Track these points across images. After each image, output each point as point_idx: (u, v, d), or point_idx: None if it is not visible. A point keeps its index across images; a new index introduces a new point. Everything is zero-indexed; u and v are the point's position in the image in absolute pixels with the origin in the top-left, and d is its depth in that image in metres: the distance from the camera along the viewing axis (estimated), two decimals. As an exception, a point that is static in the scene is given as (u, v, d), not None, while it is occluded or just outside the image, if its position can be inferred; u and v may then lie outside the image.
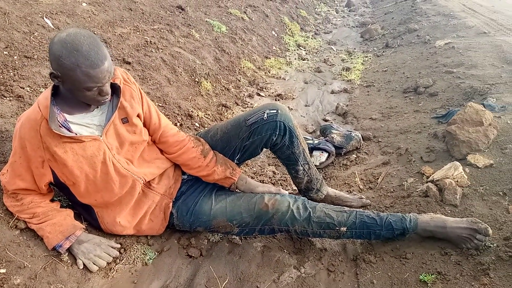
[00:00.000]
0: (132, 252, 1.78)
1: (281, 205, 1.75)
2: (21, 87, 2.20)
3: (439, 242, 1.78)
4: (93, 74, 1.34)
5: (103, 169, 1.57)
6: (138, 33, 3.56)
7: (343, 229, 1.76)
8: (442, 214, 1.91)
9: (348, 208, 1.87)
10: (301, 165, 2.00)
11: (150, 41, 3.50)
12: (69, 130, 1.49)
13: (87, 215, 1.77)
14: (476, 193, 2.04)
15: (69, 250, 1.62)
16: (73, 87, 1.39)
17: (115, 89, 1.59)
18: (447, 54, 4.46)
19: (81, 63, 1.31)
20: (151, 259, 1.80)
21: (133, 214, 1.77)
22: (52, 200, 1.70)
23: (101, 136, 1.56)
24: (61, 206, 1.72)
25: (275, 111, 1.83)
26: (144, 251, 1.82)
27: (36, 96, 2.21)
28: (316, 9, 9.04)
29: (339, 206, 1.88)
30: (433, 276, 1.63)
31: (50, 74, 1.37)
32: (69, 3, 3.37)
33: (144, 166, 1.74)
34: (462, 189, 2.06)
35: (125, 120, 1.64)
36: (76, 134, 1.51)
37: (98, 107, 1.58)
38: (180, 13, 4.53)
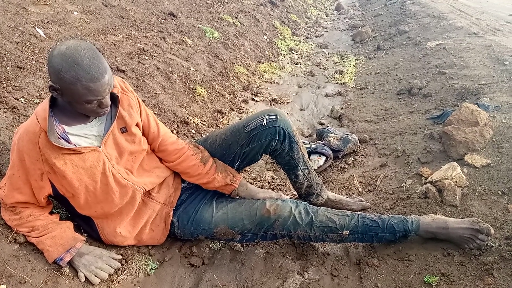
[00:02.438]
0: (133, 263, 1.76)
1: (283, 210, 1.74)
2: (15, 98, 2.17)
3: (441, 243, 1.78)
4: (94, 88, 1.33)
5: (103, 180, 1.55)
6: (130, 40, 3.55)
7: (346, 232, 1.76)
8: (442, 215, 1.92)
9: (350, 211, 1.87)
10: (301, 170, 2.00)
11: (143, 49, 3.48)
12: (68, 141, 1.47)
13: (87, 227, 1.75)
14: (475, 193, 2.05)
15: (70, 263, 1.59)
16: (73, 100, 1.37)
17: (113, 99, 1.57)
18: (439, 55, 4.51)
19: (82, 77, 1.30)
20: (153, 269, 1.78)
21: (134, 224, 1.75)
22: (51, 213, 1.67)
23: (100, 147, 1.54)
24: (60, 218, 1.69)
25: (274, 117, 1.83)
26: (145, 262, 1.80)
27: (31, 107, 2.19)
28: (306, 13, 9.08)
29: (341, 210, 1.88)
30: (437, 277, 1.64)
31: (50, 86, 1.35)
32: (61, 12, 3.34)
33: (144, 175, 1.72)
34: (461, 190, 2.07)
35: (124, 130, 1.62)
36: (75, 145, 1.49)
37: (96, 117, 1.56)
38: (172, 19, 4.52)
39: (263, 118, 1.83)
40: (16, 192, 1.51)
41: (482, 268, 1.60)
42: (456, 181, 2.11)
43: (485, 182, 2.10)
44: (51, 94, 1.44)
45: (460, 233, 1.71)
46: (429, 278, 1.64)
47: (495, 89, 3.21)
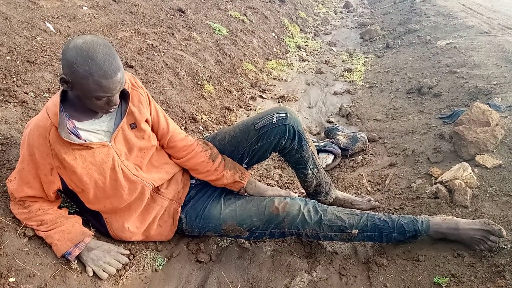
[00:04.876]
0: (141, 259, 1.76)
1: (291, 208, 1.73)
2: (25, 93, 2.18)
3: (451, 244, 1.76)
4: (105, 84, 1.33)
5: (112, 175, 1.55)
6: (139, 36, 3.54)
7: (355, 232, 1.75)
8: (453, 215, 1.89)
9: (359, 210, 1.85)
10: (310, 169, 1.98)
11: (152, 44, 3.48)
12: (78, 136, 1.47)
13: (95, 222, 1.75)
14: (486, 194, 2.03)
15: (78, 258, 1.60)
16: (82, 95, 1.37)
17: (124, 95, 1.56)
18: (449, 54, 4.46)
19: (94, 72, 1.30)
20: (160, 265, 1.78)
21: (142, 220, 1.75)
22: (60, 207, 1.68)
23: (109, 142, 1.54)
24: (69, 213, 1.70)
25: (284, 114, 1.82)
26: (153, 257, 1.80)
27: (40, 101, 2.19)
28: (315, 10, 9.03)
29: (350, 209, 1.86)
30: (447, 278, 1.62)
31: (61, 79, 1.35)
32: (70, 7, 3.35)
33: (153, 171, 1.72)
34: (472, 190, 2.04)
35: (134, 126, 1.62)
36: (85, 141, 1.49)
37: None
38: (181, 15, 4.51)
39: (273, 116, 1.81)
40: (25, 186, 1.51)
41: (494, 270, 1.58)
42: (466, 182, 2.08)
43: (496, 183, 2.07)
44: (61, 89, 1.44)
45: (471, 234, 1.69)
46: (439, 279, 1.62)
47: (507, 89, 3.16)
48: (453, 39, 5.02)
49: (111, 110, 1.49)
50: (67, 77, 1.33)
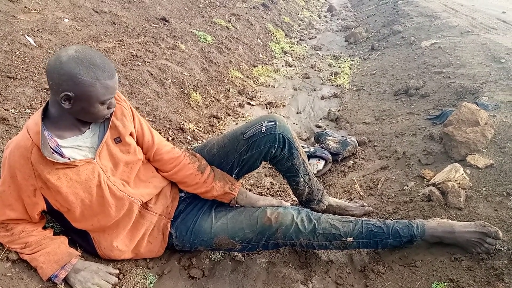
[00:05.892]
0: (131, 277, 1.69)
1: (284, 218, 1.69)
2: (5, 109, 2.10)
3: (448, 247, 1.74)
4: (111, 85, 1.35)
5: (99, 192, 1.49)
6: (123, 47, 3.49)
7: (350, 239, 1.71)
8: (447, 218, 1.87)
9: (353, 217, 1.82)
10: (302, 177, 1.95)
11: (136, 55, 3.43)
12: (61, 155, 1.41)
13: (82, 241, 1.68)
14: (479, 194, 2.01)
15: (66, 280, 1.53)
16: (87, 104, 1.35)
17: (106, 108, 1.51)
18: (434, 55, 4.49)
19: (100, 76, 1.31)
20: (152, 283, 1.72)
21: (131, 237, 1.69)
22: (44, 227, 1.61)
23: (94, 159, 1.48)
24: (54, 233, 1.63)
25: (273, 123, 1.78)
26: (144, 275, 1.73)
27: (21, 118, 2.12)
28: (299, 15, 9.06)
29: (344, 216, 1.83)
30: (445, 283, 1.59)
31: (62, 97, 1.30)
32: (51, 20, 3.28)
33: (140, 186, 1.66)
34: (465, 191, 2.03)
35: (118, 140, 1.57)
36: (69, 159, 1.43)
37: (89, 128, 1.51)
38: (165, 25, 4.47)
39: (262, 125, 1.78)
40: (7, 209, 1.45)
41: (492, 273, 1.55)
42: (459, 183, 2.07)
43: (489, 183, 2.06)
44: (42, 106, 1.40)
45: (467, 237, 1.67)
46: (437, 284, 1.60)
47: (493, 87, 3.18)
48: (437, 39, 5.06)
49: (109, 115, 1.48)
50: (71, 92, 1.30)
